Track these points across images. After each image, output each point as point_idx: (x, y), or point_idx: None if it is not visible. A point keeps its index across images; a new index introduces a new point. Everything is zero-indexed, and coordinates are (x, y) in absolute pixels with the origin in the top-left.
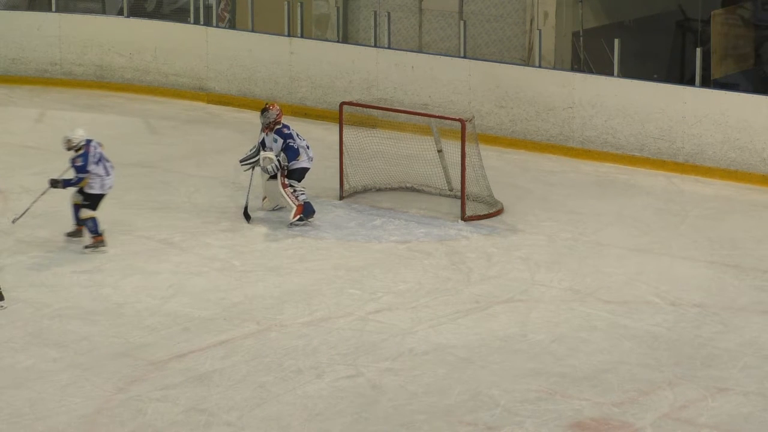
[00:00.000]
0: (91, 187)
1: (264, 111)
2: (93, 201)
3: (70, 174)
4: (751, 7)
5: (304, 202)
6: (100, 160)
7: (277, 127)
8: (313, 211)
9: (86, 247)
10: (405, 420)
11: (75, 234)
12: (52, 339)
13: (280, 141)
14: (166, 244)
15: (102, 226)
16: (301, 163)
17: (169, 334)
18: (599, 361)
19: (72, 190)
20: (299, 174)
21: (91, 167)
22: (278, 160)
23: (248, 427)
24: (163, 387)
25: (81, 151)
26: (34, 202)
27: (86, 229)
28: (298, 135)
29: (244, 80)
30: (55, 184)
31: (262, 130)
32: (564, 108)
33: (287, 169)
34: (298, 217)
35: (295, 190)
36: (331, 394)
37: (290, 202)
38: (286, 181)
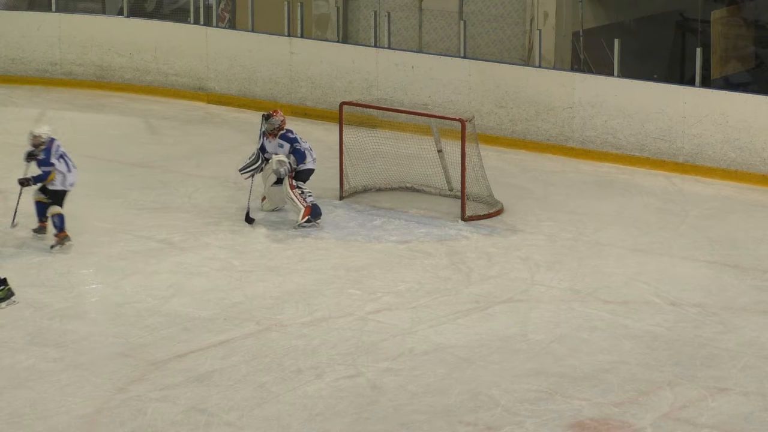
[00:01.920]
0: (53, 184)
1: (268, 117)
2: (56, 198)
3: (35, 171)
4: (751, 7)
5: (312, 204)
6: (62, 156)
7: (282, 132)
8: (320, 213)
9: (53, 246)
10: (405, 420)
11: (40, 230)
12: (52, 339)
13: (287, 145)
14: (166, 244)
15: (105, 225)
16: (307, 165)
17: (169, 334)
18: (599, 361)
19: (34, 188)
20: (305, 176)
21: (53, 160)
22: (289, 163)
23: (248, 427)
24: (163, 387)
25: (43, 147)
26: (18, 204)
27: (52, 225)
28: (300, 138)
29: (244, 80)
30: (25, 182)
31: (265, 136)
32: (564, 108)
33: (294, 171)
34: (306, 218)
35: (302, 192)
36: (331, 394)
37: (299, 204)
38: (294, 183)
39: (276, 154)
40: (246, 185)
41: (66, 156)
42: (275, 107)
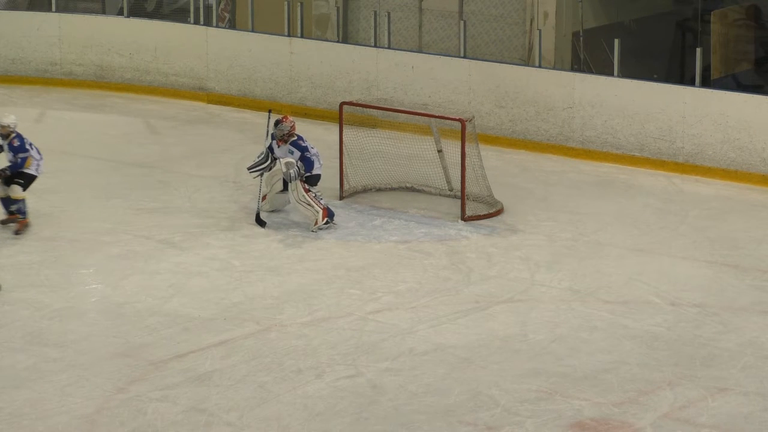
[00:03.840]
0: (26, 168)
1: (278, 123)
2: (26, 181)
3: (6, 161)
4: (752, 7)
5: (326, 206)
6: (31, 144)
7: (293, 139)
8: (333, 213)
9: (16, 232)
10: (405, 420)
11: (8, 221)
12: (52, 339)
13: (297, 153)
14: (166, 244)
15: (105, 225)
16: (315, 170)
17: (169, 334)
18: (599, 361)
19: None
20: (313, 181)
21: (27, 147)
22: (298, 167)
23: (248, 427)
24: (163, 387)
25: (13, 135)
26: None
27: (17, 211)
28: (310, 146)
29: (244, 80)
30: (2, 173)
31: (275, 141)
32: (564, 108)
33: (303, 177)
34: (325, 220)
35: (315, 195)
36: (331, 394)
37: (316, 207)
38: (307, 187)
39: (284, 158)
40: (246, 185)
41: (33, 144)
42: (275, 107)
